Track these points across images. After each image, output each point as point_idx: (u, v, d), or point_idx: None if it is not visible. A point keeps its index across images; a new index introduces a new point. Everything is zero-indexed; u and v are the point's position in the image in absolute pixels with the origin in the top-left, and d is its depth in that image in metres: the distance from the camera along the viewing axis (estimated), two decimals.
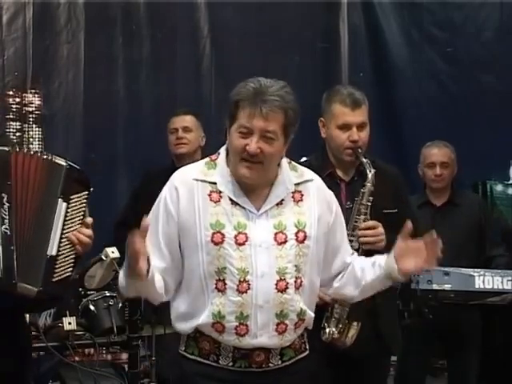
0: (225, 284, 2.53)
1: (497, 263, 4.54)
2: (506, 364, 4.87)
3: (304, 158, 3.55)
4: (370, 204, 3.35)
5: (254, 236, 2.55)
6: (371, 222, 3.33)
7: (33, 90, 5.27)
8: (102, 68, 5.49)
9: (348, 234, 3.15)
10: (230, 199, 2.58)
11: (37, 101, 5.28)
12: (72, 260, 2.78)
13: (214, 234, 2.53)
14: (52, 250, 2.73)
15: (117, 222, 4.69)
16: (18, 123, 5.23)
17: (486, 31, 5.90)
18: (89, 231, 2.82)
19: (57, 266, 2.74)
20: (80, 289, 4.19)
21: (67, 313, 4.05)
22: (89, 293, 4.15)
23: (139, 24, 5.55)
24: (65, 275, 2.77)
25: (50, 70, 5.33)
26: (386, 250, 2.94)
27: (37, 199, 2.74)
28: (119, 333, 4.11)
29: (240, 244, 2.54)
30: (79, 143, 5.32)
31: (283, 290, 2.55)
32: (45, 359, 4.20)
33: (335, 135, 3.40)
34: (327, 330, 3.29)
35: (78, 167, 2.86)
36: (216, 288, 2.54)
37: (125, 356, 4.66)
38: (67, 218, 2.77)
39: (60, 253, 2.75)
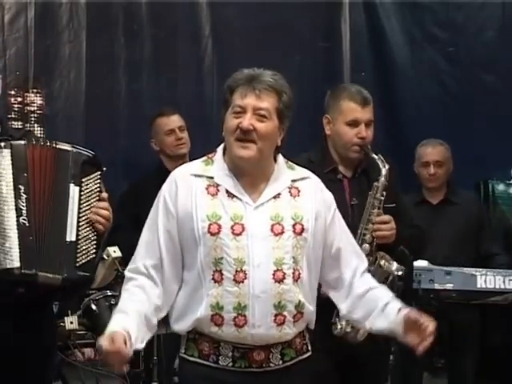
0: (221, 274, 2.54)
1: (497, 262, 4.54)
2: (507, 363, 4.87)
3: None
4: (383, 198, 3.35)
5: (251, 227, 2.56)
6: (386, 217, 3.33)
7: (34, 90, 5.27)
8: (104, 68, 5.49)
9: (361, 227, 3.18)
10: (227, 192, 2.59)
11: (38, 100, 5.28)
12: (94, 241, 2.80)
13: (210, 224, 2.55)
14: (71, 236, 2.76)
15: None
16: (19, 123, 5.23)
17: (487, 31, 5.89)
18: (105, 204, 2.85)
19: (78, 251, 2.77)
20: None
21: (69, 312, 4.06)
22: (90, 292, 4.15)
23: (141, 24, 5.55)
24: (89, 258, 2.79)
25: (52, 70, 5.33)
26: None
27: (49, 188, 2.78)
28: None
29: (237, 234, 2.55)
30: (80, 143, 5.18)
31: (280, 281, 2.55)
32: None
33: (343, 132, 3.38)
34: (339, 325, 3.28)
35: (85, 150, 2.90)
36: (213, 279, 2.54)
37: None
38: (82, 202, 2.81)
39: (80, 237, 2.78)
